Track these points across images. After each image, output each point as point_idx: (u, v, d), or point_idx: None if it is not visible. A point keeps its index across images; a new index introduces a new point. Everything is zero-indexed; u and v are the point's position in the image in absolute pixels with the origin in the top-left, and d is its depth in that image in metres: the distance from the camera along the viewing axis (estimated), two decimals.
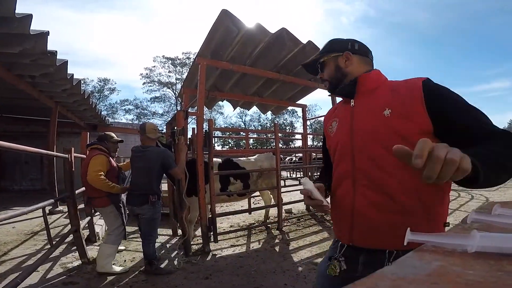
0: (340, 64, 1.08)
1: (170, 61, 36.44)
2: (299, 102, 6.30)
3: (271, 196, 4.81)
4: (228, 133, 19.40)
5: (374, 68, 1.10)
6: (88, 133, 4.45)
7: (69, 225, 3.20)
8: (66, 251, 3.49)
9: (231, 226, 4.64)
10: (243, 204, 6.27)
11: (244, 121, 42.23)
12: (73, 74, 4.43)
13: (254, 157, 4.74)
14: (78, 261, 3.11)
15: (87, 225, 3.70)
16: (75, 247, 3.25)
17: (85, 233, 3.74)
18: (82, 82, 5.19)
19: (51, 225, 4.88)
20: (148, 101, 36.34)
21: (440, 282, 0.30)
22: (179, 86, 34.03)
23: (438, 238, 0.49)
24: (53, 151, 6.11)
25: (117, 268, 2.88)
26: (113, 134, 3.27)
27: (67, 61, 3.92)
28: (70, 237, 3.29)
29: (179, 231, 4.10)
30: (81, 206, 3.02)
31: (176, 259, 3.23)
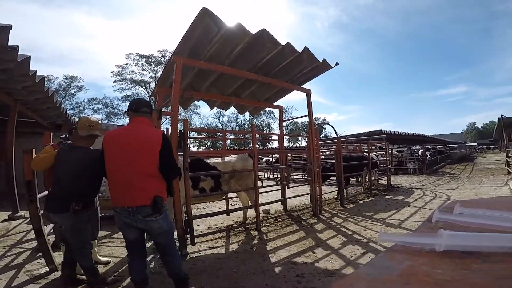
0: None
1: (144, 59, 35.29)
2: (276, 103, 6.38)
3: (248, 197, 4.83)
4: (204, 134, 19.12)
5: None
6: (51, 133, 4.15)
7: (32, 230, 3.04)
8: (30, 257, 3.31)
9: (208, 228, 4.58)
10: (220, 205, 6.22)
11: (221, 121, 41.92)
12: (36, 71, 4.16)
13: (227, 158, 4.71)
14: (45, 268, 2.94)
15: (52, 230, 3.47)
16: (40, 254, 3.08)
17: (51, 239, 3.52)
18: (46, 79, 4.88)
19: (12, 232, 4.53)
20: (119, 99, 34.97)
21: (411, 282, 0.32)
22: (153, 84, 33.04)
23: (408, 238, 0.52)
24: (12, 152, 5.65)
25: (103, 258, 3.13)
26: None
27: (29, 56, 3.68)
28: (35, 243, 3.12)
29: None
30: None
31: (152, 262, 3.13)
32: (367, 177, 7.93)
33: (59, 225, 2.45)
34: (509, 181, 8.53)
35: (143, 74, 35.68)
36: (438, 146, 21.51)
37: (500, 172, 11.69)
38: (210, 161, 4.45)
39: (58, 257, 3.16)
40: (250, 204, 4.68)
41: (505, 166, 12.27)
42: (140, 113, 2.18)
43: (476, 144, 54.26)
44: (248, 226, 4.55)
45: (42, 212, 2.79)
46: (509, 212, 0.53)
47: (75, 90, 34.28)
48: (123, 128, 2.20)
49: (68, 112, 8.01)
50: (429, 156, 15.23)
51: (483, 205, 0.61)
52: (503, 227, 0.47)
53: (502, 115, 14.01)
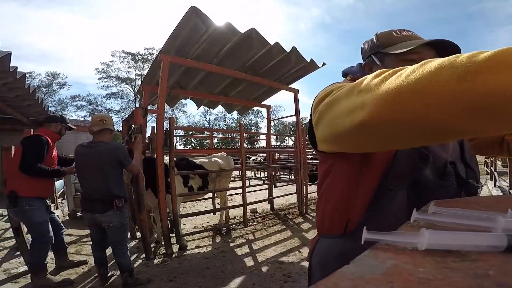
0: None
1: (130, 56, 34.52)
2: (264, 102, 6.39)
3: (227, 197, 4.78)
4: (191, 132, 18.88)
5: None
6: (32, 130, 4.01)
7: (10, 229, 3.03)
8: (8, 256, 3.23)
9: (194, 227, 4.54)
10: (207, 204, 6.18)
11: (209, 120, 41.57)
12: (16, 67, 4.05)
13: (209, 157, 4.67)
14: (23, 267, 2.87)
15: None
16: (19, 252, 3.03)
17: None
18: (27, 75, 4.73)
19: None
20: (104, 97, 34.07)
21: (395, 281, 0.33)
22: (139, 82, 32.39)
23: (391, 236, 0.54)
24: None
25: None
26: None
27: (10, 53, 3.55)
28: (13, 242, 3.07)
29: (138, 234, 3.92)
30: None
31: (137, 262, 3.08)
32: None
33: (106, 224, 2.40)
34: (487, 181, 8.83)
35: (129, 71, 34.92)
36: None
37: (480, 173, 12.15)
38: (197, 160, 4.43)
39: None
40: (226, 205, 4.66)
41: (484, 166, 12.73)
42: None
43: None
44: (235, 225, 4.54)
45: (80, 214, 2.81)
46: (486, 212, 0.55)
47: (57, 86, 33.15)
48: None
49: (50, 109, 7.78)
50: None
51: (462, 205, 0.63)
52: (479, 226, 0.49)
53: None
